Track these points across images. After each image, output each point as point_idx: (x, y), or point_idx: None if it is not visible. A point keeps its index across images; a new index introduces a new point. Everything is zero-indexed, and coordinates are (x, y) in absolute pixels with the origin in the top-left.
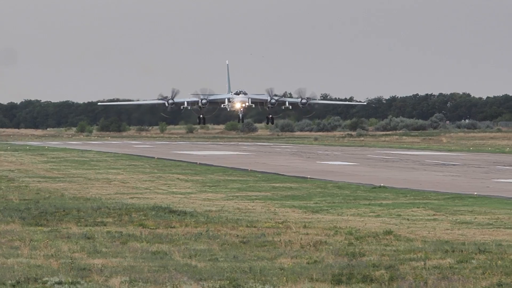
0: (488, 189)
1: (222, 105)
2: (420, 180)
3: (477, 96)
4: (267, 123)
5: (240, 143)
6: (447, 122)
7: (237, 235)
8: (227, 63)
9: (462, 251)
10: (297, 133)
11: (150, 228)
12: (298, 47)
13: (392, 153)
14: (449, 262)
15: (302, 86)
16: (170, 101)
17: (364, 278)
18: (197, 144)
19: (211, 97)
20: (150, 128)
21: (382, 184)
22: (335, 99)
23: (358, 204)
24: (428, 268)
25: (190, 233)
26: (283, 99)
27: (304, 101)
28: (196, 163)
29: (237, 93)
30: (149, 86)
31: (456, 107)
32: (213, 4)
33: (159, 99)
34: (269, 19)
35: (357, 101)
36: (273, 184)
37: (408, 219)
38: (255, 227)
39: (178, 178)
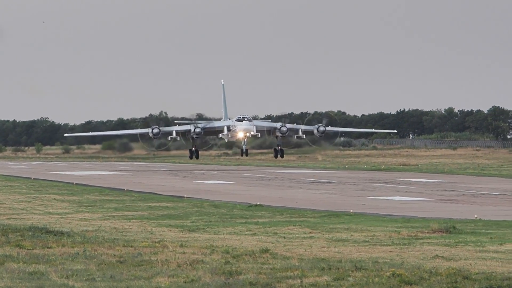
0: (364, 207)
1: (221, 134)
2: (296, 198)
3: (352, 114)
4: (276, 157)
5: (116, 162)
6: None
7: (114, 255)
8: (222, 83)
9: (338, 268)
10: (173, 152)
11: (27, 249)
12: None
13: (268, 171)
14: (325, 279)
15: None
16: (155, 130)
17: None
18: (73, 164)
19: (207, 125)
20: (26, 148)
21: (258, 203)
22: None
23: (235, 223)
24: (305, 286)
25: (67, 253)
26: (295, 126)
27: (322, 128)
28: (73, 183)
29: (239, 120)
30: (31, 107)
31: (331, 124)
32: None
33: (142, 127)
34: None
35: (381, 129)
36: (150, 204)
37: (284, 237)
38: (132, 246)
39: (54, 199)
